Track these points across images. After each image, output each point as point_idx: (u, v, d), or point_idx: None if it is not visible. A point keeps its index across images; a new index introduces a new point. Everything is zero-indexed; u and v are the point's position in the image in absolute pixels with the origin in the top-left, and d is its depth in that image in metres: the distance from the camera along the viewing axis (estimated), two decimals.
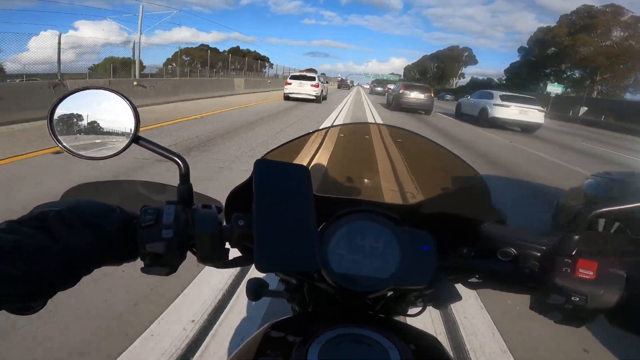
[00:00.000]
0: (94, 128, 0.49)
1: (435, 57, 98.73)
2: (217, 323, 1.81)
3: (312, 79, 17.57)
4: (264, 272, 0.52)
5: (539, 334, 1.95)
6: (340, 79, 76.65)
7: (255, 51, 72.86)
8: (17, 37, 9.87)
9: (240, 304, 1.98)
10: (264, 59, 57.03)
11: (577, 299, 0.46)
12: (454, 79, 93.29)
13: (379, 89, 45.85)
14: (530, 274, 0.51)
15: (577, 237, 0.48)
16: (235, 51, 58.72)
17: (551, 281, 0.47)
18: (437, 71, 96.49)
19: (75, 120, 0.49)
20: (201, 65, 26.16)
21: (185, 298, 1.99)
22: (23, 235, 0.36)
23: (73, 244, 0.38)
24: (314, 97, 17.00)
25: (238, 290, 2.10)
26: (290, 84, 17.41)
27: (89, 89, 0.49)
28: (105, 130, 0.49)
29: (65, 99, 0.48)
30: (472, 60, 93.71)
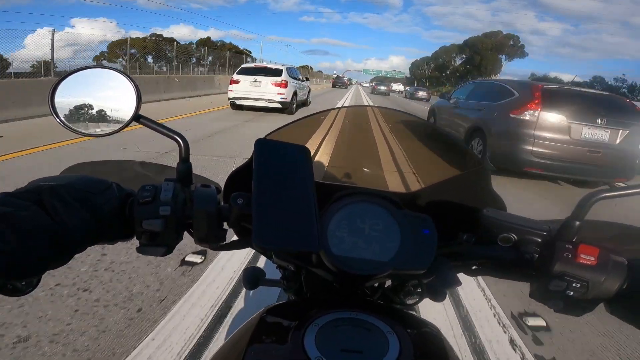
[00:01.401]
0: (95, 106, 0.49)
1: (466, 45, 74.30)
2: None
3: (276, 73, 10.65)
4: (261, 251, 0.51)
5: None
6: (335, 75, 63.75)
7: (230, 43, 63.37)
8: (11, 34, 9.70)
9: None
10: (244, 53, 48.37)
11: (579, 285, 0.45)
12: (493, 76, 67.93)
13: (382, 88, 40.14)
14: (530, 260, 0.50)
15: (578, 223, 0.48)
16: (205, 43, 50.40)
17: (552, 267, 0.46)
18: (465, 66, 76.85)
19: (76, 98, 0.49)
20: (154, 59, 21.89)
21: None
22: (15, 207, 0.35)
23: (66, 220, 0.37)
24: (278, 105, 10.42)
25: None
26: (237, 82, 10.39)
27: (91, 67, 0.49)
28: (106, 108, 0.49)
29: (68, 77, 0.48)
30: (518, 51, 68.76)
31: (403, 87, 62.24)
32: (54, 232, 0.36)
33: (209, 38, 62.16)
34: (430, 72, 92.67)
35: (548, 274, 0.47)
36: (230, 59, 25.25)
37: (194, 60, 27.05)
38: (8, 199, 0.35)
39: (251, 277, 0.62)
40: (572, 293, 0.46)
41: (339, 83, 48.16)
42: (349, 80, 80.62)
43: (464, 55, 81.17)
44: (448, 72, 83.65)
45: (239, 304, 1.92)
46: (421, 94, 36.44)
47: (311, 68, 76.18)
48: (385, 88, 40.30)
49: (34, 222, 0.35)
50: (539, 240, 0.51)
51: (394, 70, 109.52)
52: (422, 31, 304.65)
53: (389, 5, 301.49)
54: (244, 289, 2.00)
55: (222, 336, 1.67)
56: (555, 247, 0.47)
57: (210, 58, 27.20)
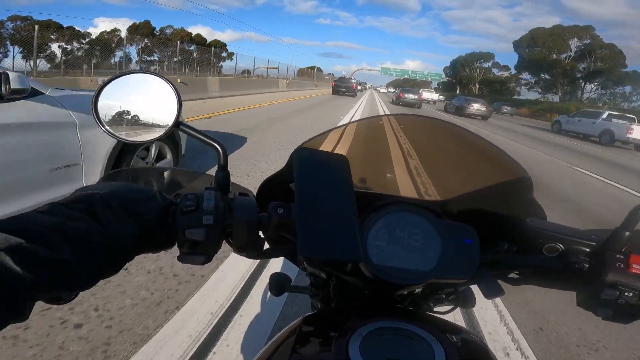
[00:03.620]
0: (136, 112, 0.50)
1: None
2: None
3: None
4: (307, 260, 0.51)
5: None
6: (343, 75, 40.41)
7: (184, 29, 48.76)
8: None
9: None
10: (213, 45, 34.69)
11: (631, 294, 0.46)
12: None
13: (410, 96, 25.70)
14: (580, 269, 0.50)
15: (628, 233, 0.48)
16: (142, 29, 35.20)
17: (604, 277, 0.47)
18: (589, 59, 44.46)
19: (119, 103, 0.49)
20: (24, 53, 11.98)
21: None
22: (68, 217, 0.34)
23: (117, 229, 0.37)
24: None
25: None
26: None
27: (134, 72, 0.50)
28: (147, 113, 0.50)
29: (111, 82, 0.49)
30: None
31: (437, 95, 45.50)
32: (107, 242, 0.36)
33: (147, 22, 46.86)
34: (480, 74, 63.39)
35: (599, 284, 0.47)
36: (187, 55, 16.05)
37: (117, 58, 16.83)
38: (59, 209, 0.35)
39: (277, 283, 0.62)
40: (623, 302, 0.46)
41: (342, 88, 28.56)
42: (361, 84, 53.63)
43: (586, 41, 46.18)
44: (558, 70, 47.68)
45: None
46: (476, 107, 21.54)
47: (319, 69, 61.47)
48: (416, 97, 25.91)
49: (87, 233, 0.35)
50: (587, 250, 0.51)
51: (411, 71, 67.16)
52: (440, 36, 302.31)
53: (407, 9, 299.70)
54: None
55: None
56: (606, 258, 0.47)
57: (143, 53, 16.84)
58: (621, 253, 0.47)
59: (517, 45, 54.81)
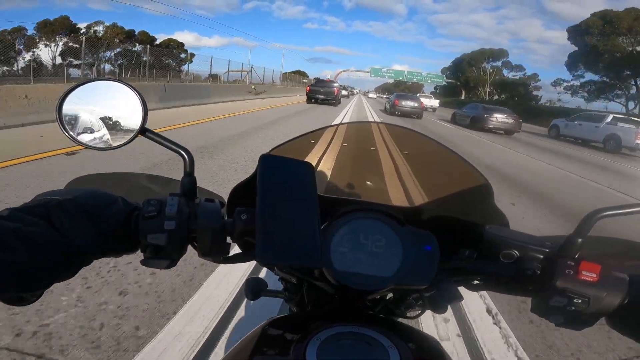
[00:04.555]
0: (102, 119, 0.50)
1: None
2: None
3: None
4: (265, 266, 0.52)
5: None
6: (328, 79, 28.10)
7: (117, 25, 40.56)
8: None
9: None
10: (166, 45, 28.74)
11: (580, 301, 0.46)
12: None
13: (409, 104, 20.36)
14: (532, 276, 0.51)
15: (580, 240, 0.48)
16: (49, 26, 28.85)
17: (553, 283, 0.47)
18: None
19: (84, 110, 0.49)
20: None
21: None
22: (24, 223, 0.36)
23: (74, 234, 0.38)
24: None
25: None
26: None
27: (99, 80, 0.50)
28: (113, 121, 0.50)
29: (76, 89, 0.49)
30: None
31: (438, 102, 39.89)
32: (62, 247, 0.37)
33: (65, 17, 36.34)
34: (492, 74, 51.88)
35: (549, 290, 0.48)
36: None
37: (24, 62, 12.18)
38: (16, 215, 0.36)
39: (253, 288, 0.63)
40: (573, 308, 0.46)
41: (319, 94, 21.74)
42: (347, 88, 45.94)
43: None
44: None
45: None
46: (500, 119, 16.12)
47: (297, 72, 55.51)
48: (416, 105, 20.53)
49: (43, 237, 0.36)
50: (541, 256, 0.52)
51: (407, 71, 57.50)
52: (427, 40, 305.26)
53: (394, 13, 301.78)
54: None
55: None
56: (557, 264, 0.48)
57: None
58: (573, 259, 0.48)
59: (577, 32, 38.48)
